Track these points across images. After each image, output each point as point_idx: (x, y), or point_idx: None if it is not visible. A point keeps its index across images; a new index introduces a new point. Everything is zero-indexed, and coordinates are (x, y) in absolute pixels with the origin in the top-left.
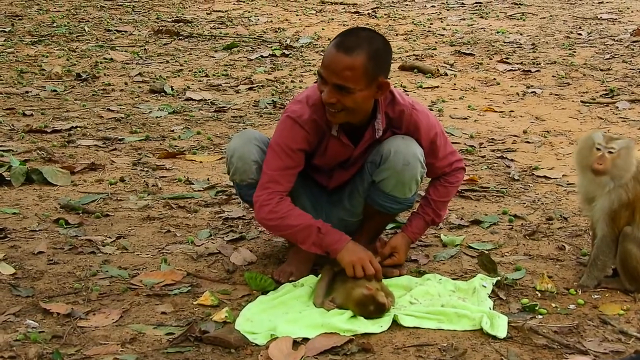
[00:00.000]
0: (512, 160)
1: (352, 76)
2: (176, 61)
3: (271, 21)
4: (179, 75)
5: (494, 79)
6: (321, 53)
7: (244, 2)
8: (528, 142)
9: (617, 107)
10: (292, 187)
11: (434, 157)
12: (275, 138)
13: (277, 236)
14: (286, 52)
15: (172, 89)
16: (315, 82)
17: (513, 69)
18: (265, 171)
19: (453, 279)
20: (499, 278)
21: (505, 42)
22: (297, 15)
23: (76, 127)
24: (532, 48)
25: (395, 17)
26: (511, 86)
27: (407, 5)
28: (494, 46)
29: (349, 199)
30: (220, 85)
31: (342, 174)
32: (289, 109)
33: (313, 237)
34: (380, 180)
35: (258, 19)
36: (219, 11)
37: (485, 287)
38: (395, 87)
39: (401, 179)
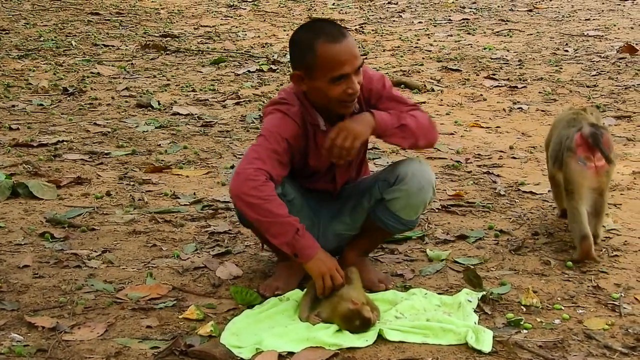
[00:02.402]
0: (498, 175)
1: (356, 48)
2: (163, 76)
3: (258, 36)
4: (166, 90)
5: (481, 94)
6: None
7: (231, 17)
8: (514, 158)
9: (603, 124)
10: (275, 176)
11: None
12: (264, 127)
13: (247, 222)
14: (273, 67)
15: (159, 104)
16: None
17: (500, 85)
18: (252, 149)
19: (439, 293)
20: (484, 293)
21: (492, 59)
22: (284, 30)
23: (62, 141)
24: (519, 64)
25: (383, 32)
26: (498, 102)
27: (394, 21)
28: (480, 62)
29: (351, 213)
30: (207, 100)
31: (343, 173)
32: (273, 107)
33: (289, 236)
34: (391, 199)
35: (245, 34)
36: (207, 26)
37: (470, 301)
38: None
39: (411, 202)
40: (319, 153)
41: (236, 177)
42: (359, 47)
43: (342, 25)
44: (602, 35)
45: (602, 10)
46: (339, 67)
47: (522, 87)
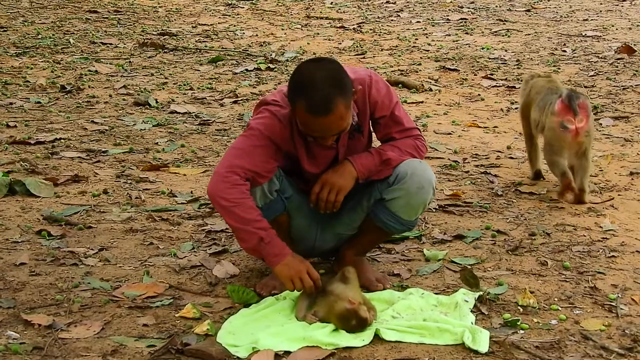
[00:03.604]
0: (495, 175)
1: (343, 120)
2: (161, 74)
3: (256, 35)
4: (163, 88)
5: (479, 94)
6: None
7: (229, 15)
8: (512, 158)
9: (601, 124)
10: (260, 171)
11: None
12: (248, 125)
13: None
14: (271, 66)
15: (157, 102)
16: (280, 89)
17: (497, 84)
18: (232, 148)
19: (435, 293)
20: (481, 293)
21: (490, 58)
22: (282, 29)
23: (60, 138)
24: (517, 64)
25: (381, 32)
26: (495, 102)
27: (392, 20)
28: (478, 62)
29: (349, 213)
30: (205, 98)
31: None
32: (262, 107)
33: (253, 242)
34: (390, 199)
35: (244, 33)
36: (205, 25)
37: (467, 301)
38: None
39: (411, 202)
40: (315, 159)
41: (212, 178)
42: (358, 47)
43: (340, 24)
44: (600, 36)
45: (600, 11)
46: (311, 132)
47: (520, 87)
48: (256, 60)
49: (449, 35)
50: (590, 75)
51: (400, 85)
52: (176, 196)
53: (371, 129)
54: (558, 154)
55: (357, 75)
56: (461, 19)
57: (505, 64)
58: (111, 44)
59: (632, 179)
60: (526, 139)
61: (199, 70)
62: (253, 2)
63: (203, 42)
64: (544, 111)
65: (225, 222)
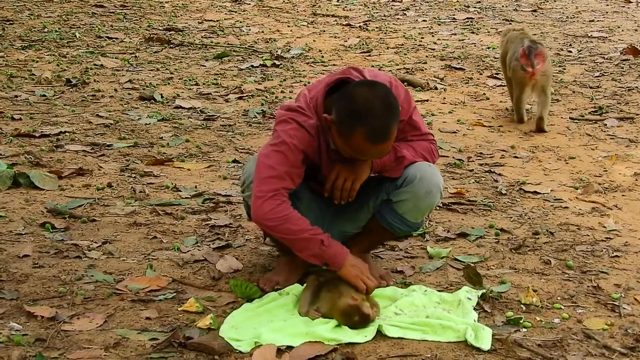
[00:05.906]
0: (499, 174)
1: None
2: (166, 69)
3: (262, 31)
4: (169, 83)
5: (484, 93)
6: (312, 64)
7: (235, 12)
8: (516, 157)
9: (606, 125)
10: (293, 187)
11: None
12: (279, 137)
13: (270, 238)
14: (277, 62)
15: (162, 97)
16: (304, 93)
17: (502, 84)
18: (265, 165)
19: (438, 290)
20: (484, 291)
21: (495, 58)
22: (288, 26)
23: (65, 132)
24: None
25: (387, 30)
26: (500, 101)
27: (398, 19)
28: (484, 61)
29: (356, 212)
30: (210, 94)
31: None
32: (289, 115)
33: (315, 249)
34: (398, 201)
35: (249, 29)
36: (211, 20)
37: (470, 299)
38: None
39: (418, 205)
40: (333, 165)
41: (255, 202)
42: (364, 45)
43: (346, 22)
44: (606, 37)
45: (607, 12)
46: (362, 156)
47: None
48: (262, 57)
49: (455, 34)
50: (596, 76)
51: (405, 83)
52: (180, 191)
53: None
54: (521, 90)
55: (378, 79)
56: (467, 18)
57: None
58: (117, 38)
59: (637, 180)
60: (507, 81)
61: (204, 66)
62: None
63: (209, 37)
64: (513, 57)
65: (277, 238)
